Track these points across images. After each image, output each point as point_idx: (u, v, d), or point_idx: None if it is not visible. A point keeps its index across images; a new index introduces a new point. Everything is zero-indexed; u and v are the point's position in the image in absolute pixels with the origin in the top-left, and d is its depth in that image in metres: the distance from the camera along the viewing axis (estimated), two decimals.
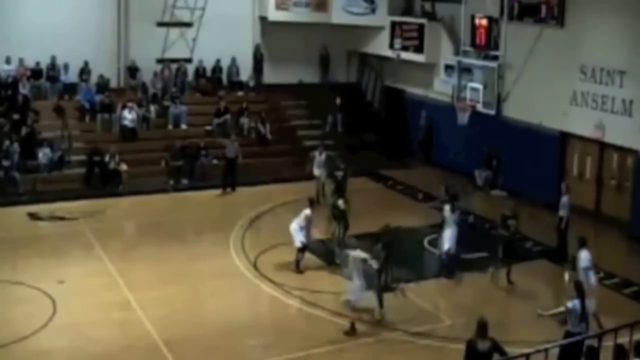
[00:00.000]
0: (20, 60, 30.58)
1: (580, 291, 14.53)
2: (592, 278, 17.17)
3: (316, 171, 26.49)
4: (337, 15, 33.27)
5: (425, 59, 31.40)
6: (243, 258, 21.23)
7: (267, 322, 18.00)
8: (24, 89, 30.09)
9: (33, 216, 24.34)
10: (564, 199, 21.60)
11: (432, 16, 31.72)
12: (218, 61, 33.53)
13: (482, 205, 26.39)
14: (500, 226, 20.41)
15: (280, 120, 32.98)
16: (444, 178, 27.07)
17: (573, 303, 14.32)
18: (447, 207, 20.76)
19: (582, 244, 17.55)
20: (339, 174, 24.81)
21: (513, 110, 27.77)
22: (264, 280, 19.70)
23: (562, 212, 21.58)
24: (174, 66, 32.68)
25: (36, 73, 31.04)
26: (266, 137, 31.23)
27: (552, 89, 25.90)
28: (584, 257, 17.29)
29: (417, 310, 18.04)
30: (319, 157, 26.63)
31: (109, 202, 25.94)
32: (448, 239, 20.38)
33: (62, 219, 24.12)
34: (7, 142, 27.18)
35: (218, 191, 27.34)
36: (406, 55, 32.12)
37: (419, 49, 31.55)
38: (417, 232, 23.47)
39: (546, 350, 12.24)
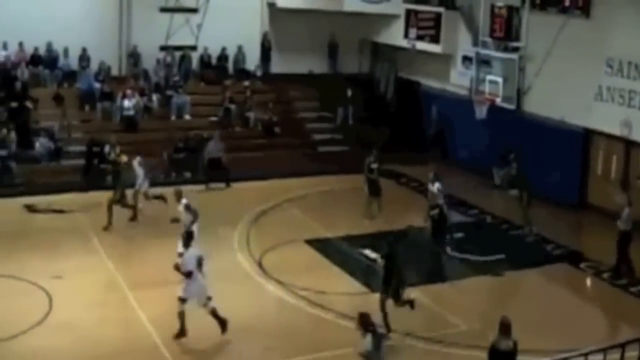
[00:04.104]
0: (20, 45, 30.66)
1: None
2: None
3: None
4: (350, 2, 32.98)
5: (441, 49, 31.29)
6: (247, 256, 21.24)
7: (271, 323, 17.93)
8: (23, 76, 30.15)
9: (29, 208, 24.37)
10: (626, 211, 20.35)
11: (449, 5, 31.60)
12: (224, 49, 33.53)
13: (499, 205, 26.29)
14: None
15: (288, 112, 32.96)
16: (459, 175, 27.12)
17: None
18: (437, 185, 21.56)
19: None
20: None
21: (534, 105, 27.66)
22: (268, 280, 19.70)
23: (624, 226, 20.33)
24: (177, 54, 32.70)
25: (35, 59, 31.11)
26: (273, 129, 31.21)
27: (576, 83, 25.76)
28: None
29: (429, 314, 18.02)
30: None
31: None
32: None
33: (59, 211, 24.16)
34: (4, 131, 27.25)
35: (222, 185, 27.35)
36: (422, 46, 31.99)
37: (435, 39, 31.42)
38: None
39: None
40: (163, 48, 32.11)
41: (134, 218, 23.83)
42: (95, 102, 30.34)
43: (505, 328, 12.71)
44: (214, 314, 16.41)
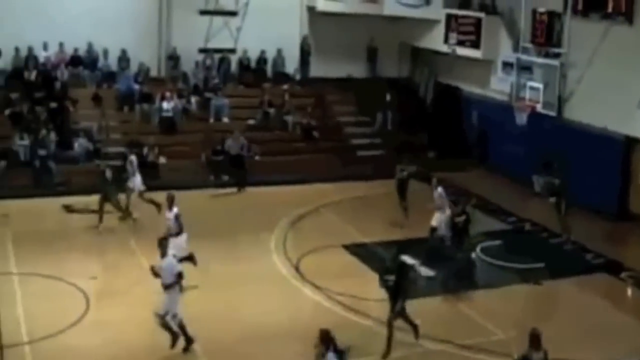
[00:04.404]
0: (60, 46, 30.99)
1: None
2: None
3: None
4: (390, 6, 33.00)
5: (482, 55, 31.13)
6: (284, 260, 21.27)
7: (306, 328, 17.84)
8: (63, 76, 30.45)
9: (67, 208, 24.63)
10: None
11: (490, 9, 31.46)
12: (263, 52, 33.64)
13: (539, 212, 26.08)
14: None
15: (326, 116, 32.93)
16: (499, 182, 26.94)
17: None
18: (440, 190, 21.54)
19: None
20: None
21: (575, 112, 27.41)
22: (305, 284, 19.71)
23: None
24: (217, 56, 32.86)
25: (75, 60, 31.42)
26: (312, 133, 31.24)
27: (619, 90, 25.45)
28: None
29: (466, 321, 17.95)
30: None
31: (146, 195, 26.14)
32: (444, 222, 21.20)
33: (97, 212, 24.34)
34: (43, 131, 27.55)
35: (260, 188, 27.40)
36: (462, 51, 31.85)
37: (475, 44, 31.27)
38: (469, 239, 23.28)
39: None
40: (202, 50, 32.32)
41: (124, 218, 23.81)
42: (134, 103, 30.58)
43: (535, 340, 12.59)
44: (184, 330, 16.03)
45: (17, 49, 30.79)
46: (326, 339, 12.99)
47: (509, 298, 19.65)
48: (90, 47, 31.68)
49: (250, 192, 27.32)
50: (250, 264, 20.80)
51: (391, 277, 16.13)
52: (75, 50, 31.46)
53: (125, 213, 23.84)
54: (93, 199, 24.97)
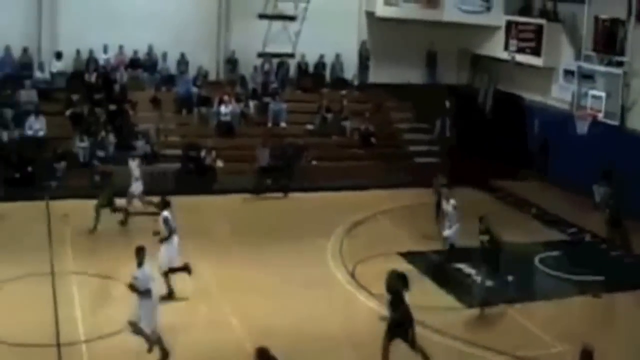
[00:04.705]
0: (120, 48, 31.36)
1: None
2: None
3: None
4: (449, 12, 32.83)
5: (542, 62, 30.82)
6: (340, 266, 21.24)
7: (360, 335, 17.73)
8: (122, 79, 30.81)
9: (123, 211, 24.84)
10: None
11: (551, 16, 31.13)
12: (321, 57, 33.75)
13: (599, 224, 25.70)
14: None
15: (384, 122, 32.91)
16: (559, 192, 26.61)
17: None
18: (452, 202, 20.97)
19: None
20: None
21: (639, 122, 27.06)
22: (360, 291, 19.66)
23: None
24: (275, 61, 32.98)
25: (134, 62, 31.77)
26: (369, 139, 31.20)
27: None
28: None
29: (523, 332, 17.76)
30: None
31: (202, 199, 26.32)
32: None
33: (154, 214, 24.47)
34: (102, 133, 27.91)
35: (317, 194, 27.42)
36: (522, 58, 31.56)
37: (536, 52, 30.97)
38: (527, 249, 23.09)
39: None
40: (261, 55, 32.38)
41: (124, 222, 23.89)
42: (192, 106, 30.84)
43: (587, 358, 12.31)
44: (160, 342, 15.74)
45: (78, 51, 31.29)
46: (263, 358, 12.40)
47: (567, 310, 19.38)
48: (150, 50, 32.03)
49: (307, 197, 27.37)
50: (306, 270, 20.77)
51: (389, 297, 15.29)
52: (135, 52, 31.86)
53: (126, 217, 23.99)
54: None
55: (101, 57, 31.51)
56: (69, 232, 22.81)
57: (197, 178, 27.85)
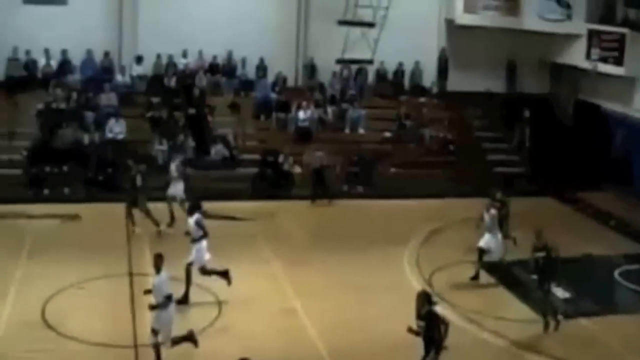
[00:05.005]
0: (199, 53, 31.70)
1: None
2: None
3: None
4: (530, 20, 32.47)
5: (625, 72, 30.25)
6: (417, 274, 21.13)
7: None
8: (201, 83, 31.12)
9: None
10: None
11: (635, 25, 30.56)
12: (400, 64, 33.65)
13: None
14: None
15: (463, 131, 32.64)
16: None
17: None
18: (492, 212, 20.51)
19: None
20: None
21: None
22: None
23: None
24: (353, 67, 33.00)
25: (213, 67, 32.08)
26: (448, 147, 31.01)
27: None
28: None
29: (604, 348, 17.42)
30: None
31: (280, 204, 26.45)
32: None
33: (231, 218, 24.70)
34: (181, 137, 28.22)
35: (395, 201, 27.34)
36: (604, 67, 31.03)
37: (618, 61, 30.42)
38: (608, 262, 22.68)
39: None
40: (339, 61, 32.41)
41: (159, 226, 23.74)
42: (270, 111, 31.01)
43: None
44: (177, 341, 15.63)
45: (158, 56, 31.70)
46: None
47: None
48: (229, 55, 32.32)
49: (384, 204, 27.27)
50: (382, 276, 20.71)
51: (421, 323, 14.33)
52: (214, 58, 32.17)
53: (171, 221, 23.99)
54: (228, 206, 25.55)
55: (180, 62, 31.89)
56: (147, 233, 23.09)
57: (274, 183, 27.97)
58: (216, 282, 19.19)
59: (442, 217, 25.73)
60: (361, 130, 31.24)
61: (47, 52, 31.05)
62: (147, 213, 23.53)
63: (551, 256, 17.96)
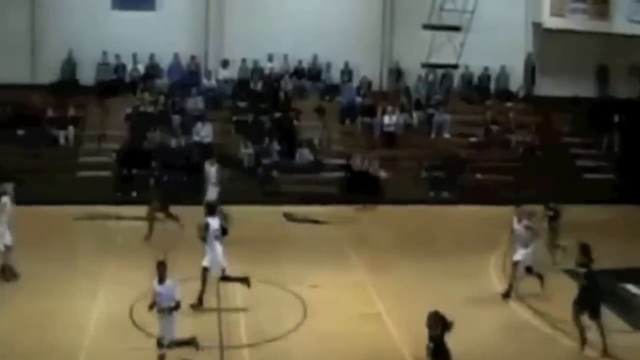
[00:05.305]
0: (285, 57, 31.83)
1: None
2: None
3: None
4: (619, 24, 32.01)
5: None
6: (503, 282, 20.82)
7: (524, 355, 17.32)
8: (287, 87, 31.25)
9: (289, 217, 25.22)
10: None
11: None
12: (486, 69, 33.38)
13: None
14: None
15: (550, 136, 32.20)
16: None
17: None
18: (525, 222, 19.64)
19: None
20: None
21: None
22: (524, 308, 19.18)
23: None
24: (439, 71, 32.80)
25: (298, 71, 32.20)
26: (534, 152, 30.58)
27: None
28: None
29: None
30: None
31: (365, 208, 26.37)
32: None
33: (316, 222, 24.77)
34: (267, 140, 28.38)
35: (481, 207, 27.05)
36: None
37: None
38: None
39: None
40: (425, 65, 32.27)
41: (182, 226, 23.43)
42: (355, 116, 31.00)
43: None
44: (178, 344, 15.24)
45: (243, 60, 31.95)
46: None
47: None
48: (314, 59, 32.40)
49: (470, 210, 27.07)
50: (468, 283, 20.45)
51: (431, 345, 13.67)
52: (299, 62, 32.29)
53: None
54: (313, 209, 25.62)
55: (266, 66, 32.07)
56: (233, 236, 23.18)
57: (360, 188, 27.92)
58: (299, 287, 19.32)
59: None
60: (447, 135, 31.07)
61: (134, 56, 31.55)
62: (170, 215, 23.60)
63: (591, 272, 17.01)
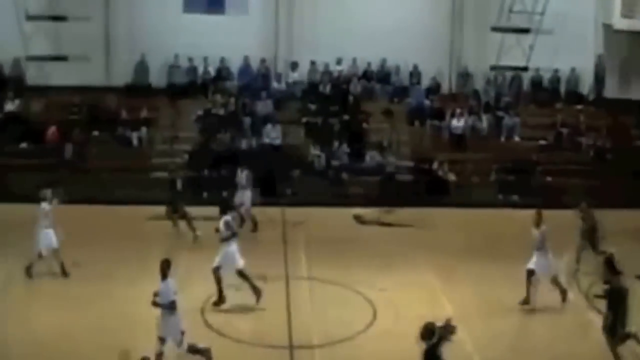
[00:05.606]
0: (353, 60, 31.95)
1: None
2: None
3: None
4: None
5: None
6: (574, 286, 20.63)
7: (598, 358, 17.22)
8: (355, 90, 31.35)
9: (358, 219, 25.30)
10: None
11: None
12: (556, 71, 33.00)
13: None
14: None
15: (622, 139, 31.66)
16: None
17: None
18: (543, 228, 19.19)
19: None
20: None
21: None
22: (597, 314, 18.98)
23: None
24: (508, 74, 32.60)
25: (367, 74, 32.27)
26: (605, 156, 30.22)
27: None
28: None
29: None
30: None
31: (435, 212, 26.33)
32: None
33: (386, 224, 24.83)
34: (336, 143, 28.51)
35: (551, 211, 26.64)
36: None
37: None
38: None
39: None
40: (493, 68, 32.15)
41: (254, 229, 23.91)
42: (424, 118, 30.95)
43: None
44: (193, 350, 15.34)
45: (312, 63, 32.12)
46: None
47: None
48: (383, 62, 32.42)
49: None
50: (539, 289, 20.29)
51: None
52: (368, 65, 32.35)
53: (252, 226, 23.98)
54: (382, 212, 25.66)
55: (335, 69, 32.20)
56: (302, 238, 23.41)
57: (429, 191, 27.90)
58: (369, 290, 19.38)
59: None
60: (517, 138, 30.81)
61: (205, 59, 31.91)
62: (186, 217, 23.68)
63: (613, 289, 16.39)
